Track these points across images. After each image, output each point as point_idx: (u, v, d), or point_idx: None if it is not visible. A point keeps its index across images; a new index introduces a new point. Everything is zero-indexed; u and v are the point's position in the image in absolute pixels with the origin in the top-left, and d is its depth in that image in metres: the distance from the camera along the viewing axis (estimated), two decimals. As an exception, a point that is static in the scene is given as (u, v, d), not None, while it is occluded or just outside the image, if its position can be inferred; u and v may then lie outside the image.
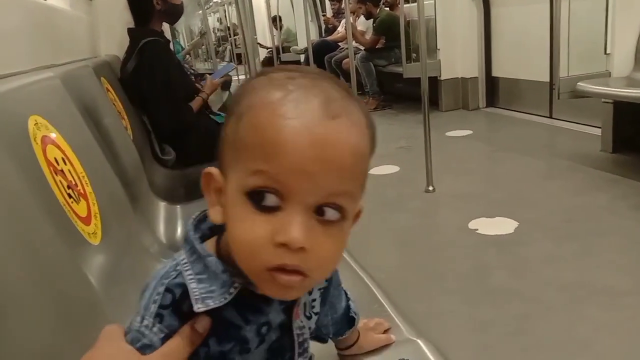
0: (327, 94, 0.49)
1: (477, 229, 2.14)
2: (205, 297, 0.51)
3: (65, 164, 0.98)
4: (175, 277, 0.53)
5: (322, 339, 0.78)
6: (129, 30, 2.21)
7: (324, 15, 7.92)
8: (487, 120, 4.37)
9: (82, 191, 1.00)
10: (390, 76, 5.17)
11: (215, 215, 0.52)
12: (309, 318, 0.62)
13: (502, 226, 2.13)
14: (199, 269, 0.53)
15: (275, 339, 0.58)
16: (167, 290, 0.53)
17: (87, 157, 1.11)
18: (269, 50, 8.61)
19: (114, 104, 1.74)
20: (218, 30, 12.42)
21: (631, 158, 2.82)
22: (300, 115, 0.47)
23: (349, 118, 0.49)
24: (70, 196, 0.92)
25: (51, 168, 0.89)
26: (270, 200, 0.47)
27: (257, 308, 0.55)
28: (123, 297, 0.98)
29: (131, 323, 0.53)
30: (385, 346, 0.88)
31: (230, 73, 3.62)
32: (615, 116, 2.88)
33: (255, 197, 0.47)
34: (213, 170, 0.52)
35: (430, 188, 2.60)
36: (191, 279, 0.52)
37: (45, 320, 0.66)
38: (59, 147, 0.99)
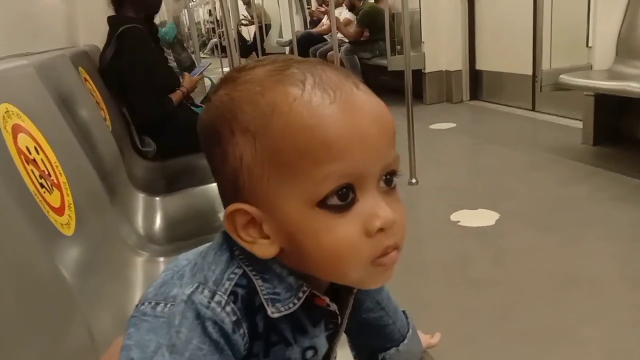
0: (331, 68, 0.47)
1: (459, 221, 2.14)
2: (273, 298, 0.47)
3: (37, 153, 0.96)
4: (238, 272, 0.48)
5: None
6: (108, 19, 2.17)
7: (308, 8, 7.89)
8: (470, 113, 4.39)
9: (55, 181, 0.97)
10: (375, 69, 5.16)
11: (264, 251, 0.46)
12: None
13: (484, 218, 2.14)
14: (261, 269, 0.48)
15: None
16: (244, 274, 0.48)
17: (62, 147, 1.08)
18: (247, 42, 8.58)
19: (92, 94, 1.71)
20: (208, 22, 12.36)
21: (612, 150, 2.84)
22: (340, 98, 0.44)
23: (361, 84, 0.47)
24: (42, 186, 0.89)
25: (22, 156, 0.86)
26: (349, 197, 0.44)
27: (304, 329, 0.52)
28: (99, 289, 0.96)
29: (189, 299, 0.45)
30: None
31: (209, 68, 3.58)
32: (597, 109, 2.90)
33: (332, 202, 0.43)
34: (240, 206, 0.45)
35: (414, 180, 2.60)
36: (255, 276, 0.48)
37: (15, 313, 0.64)
38: (31, 136, 0.96)
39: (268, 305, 0.47)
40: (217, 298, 0.46)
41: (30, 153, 0.91)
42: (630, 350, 1.28)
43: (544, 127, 3.61)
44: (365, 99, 0.46)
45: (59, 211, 0.92)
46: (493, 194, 2.40)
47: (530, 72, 3.76)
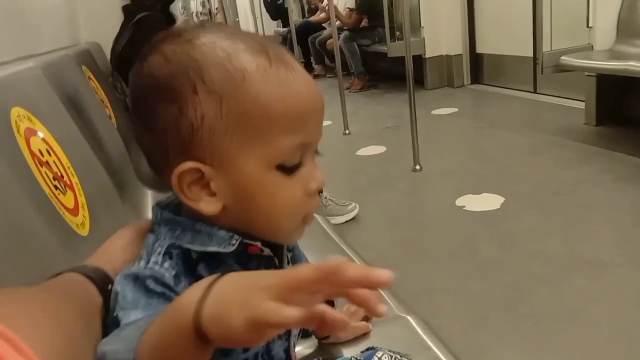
0: (275, 43, 0.52)
1: (464, 206, 2.16)
2: (207, 246, 0.50)
3: (50, 155, 0.97)
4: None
5: (306, 332, 0.76)
6: (124, 7, 2.16)
7: (306, -4, 7.82)
8: (472, 97, 4.38)
9: (68, 182, 0.99)
10: (374, 56, 5.15)
11: (209, 207, 0.49)
12: None
13: (489, 202, 2.15)
14: (189, 239, 0.50)
15: None
16: (170, 246, 0.50)
17: (72, 148, 1.10)
18: None
19: (96, 92, 1.72)
20: (201, 14, 12.31)
21: (615, 130, 2.85)
22: (299, 73, 0.49)
23: None
24: (56, 187, 0.91)
25: (36, 160, 0.88)
26: (298, 162, 0.50)
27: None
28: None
29: (122, 274, 0.48)
30: (375, 324, 0.88)
31: None
32: (599, 89, 2.90)
33: (287, 165, 0.49)
34: (192, 165, 0.47)
35: (418, 167, 2.61)
36: (184, 242, 0.50)
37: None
38: (42, 139, 0.98)
39: (204, 245, 0.50)
40: (152, 260, 0.49)
41: (42, 156, 0.93)
42: (636, 330, 1.30)
43: (546, 108, 3.61)
44: (309, 77, 0.51)
45: (74, 212, 0.94)
46: (497, 178, 2.41)
47: (531, 54, 3.74)
